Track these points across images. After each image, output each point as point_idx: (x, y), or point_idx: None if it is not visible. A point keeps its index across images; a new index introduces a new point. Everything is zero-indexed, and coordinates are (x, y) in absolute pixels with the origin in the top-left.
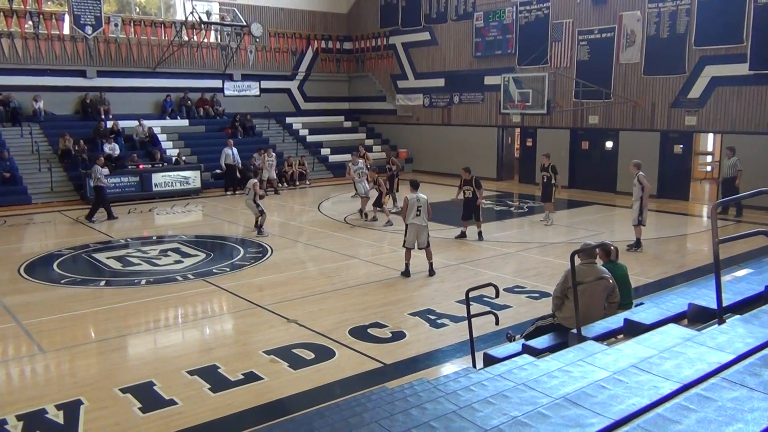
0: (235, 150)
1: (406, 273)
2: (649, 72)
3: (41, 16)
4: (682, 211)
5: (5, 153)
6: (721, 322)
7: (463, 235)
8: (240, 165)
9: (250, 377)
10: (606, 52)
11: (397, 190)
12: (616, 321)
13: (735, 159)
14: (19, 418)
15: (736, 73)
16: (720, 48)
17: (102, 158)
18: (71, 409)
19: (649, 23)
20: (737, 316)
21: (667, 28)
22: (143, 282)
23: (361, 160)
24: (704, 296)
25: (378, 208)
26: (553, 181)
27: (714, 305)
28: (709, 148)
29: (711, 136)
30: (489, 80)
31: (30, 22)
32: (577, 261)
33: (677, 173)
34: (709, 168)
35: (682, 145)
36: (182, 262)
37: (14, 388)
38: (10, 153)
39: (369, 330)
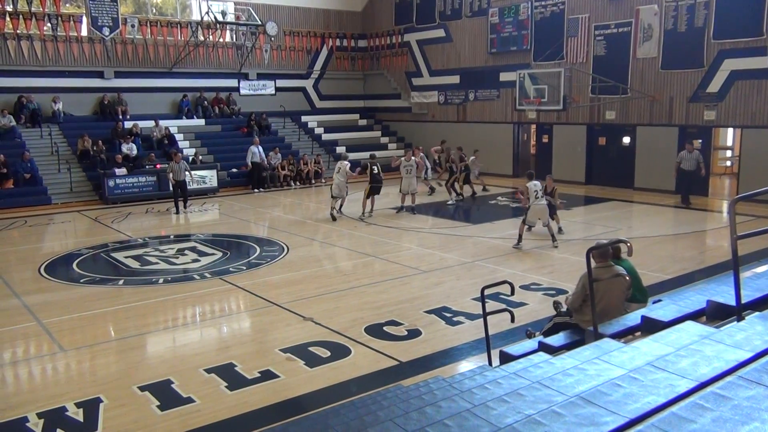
0: (260, 148)
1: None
2: (666, 66)
3: (59, 18)
4: (702, 206)
5: (25, 154)
6: (740, 319)
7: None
8: (266, 163)
9: (267, 375)
10: (623, 46)
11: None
12: (633, 318)
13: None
14: (39, 416)
15: (755, 67)
16: (739, 41)
17: (180, 154)
18: (91, 406)
19: (667, 17)
20: (756, 313)
21: (685, 22)
22: (161, 281)
23: (414, 158)
24: (723, 293)
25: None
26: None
27: (733, 302)
28: (729, 143)
29: (731, 130)
30: (504, 76)
31: (48, 25)
32: (593, 263)
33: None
34: (728, 163)
35: (701, 140)
36: (199, 260)
37: (35, 386)
38: (31, 154)
39: (385, 328)
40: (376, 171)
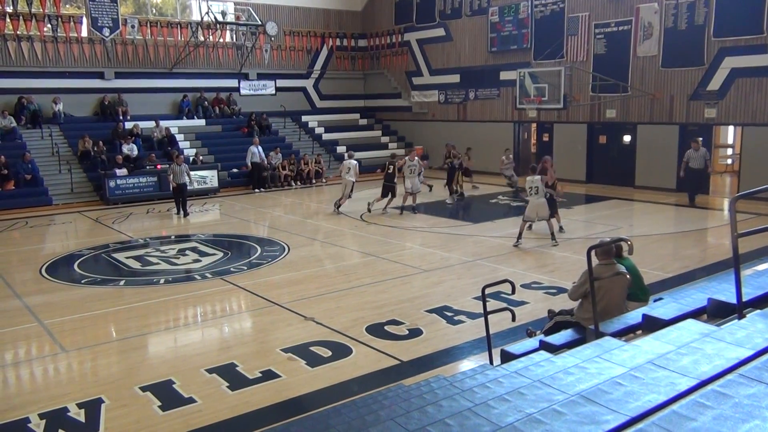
0: (260, 148)
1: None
2: (667, 64)
3: (59, 19)
4: (702, 204)
5: (26, 155)
6: (741, 317)
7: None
8: (266, 163)
9: (268, 375)
10: (623, 45)
11: (458, 182)
12: (634, 317)
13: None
14: (41, 416)
15: (756, 65)
16: (740, 39)
17: (181, 156)
18: (92, 407)
19: (667, 15)
20: (757, 311)
21: (685, 20)
22: (162, 281)
23: (417, 158)
24: (724, 291)
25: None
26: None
27: (734, 300)
28: (730, 141)
29: (731, 128)
30: (505, 75)
31: (49, 26)
32: (596, 261)
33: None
34: (729, 161)
35: (701, 138)
36: (200, 261)
37: (37, 387)
38: (31, 155)
39: (386, 327)
40: (391, 171)
